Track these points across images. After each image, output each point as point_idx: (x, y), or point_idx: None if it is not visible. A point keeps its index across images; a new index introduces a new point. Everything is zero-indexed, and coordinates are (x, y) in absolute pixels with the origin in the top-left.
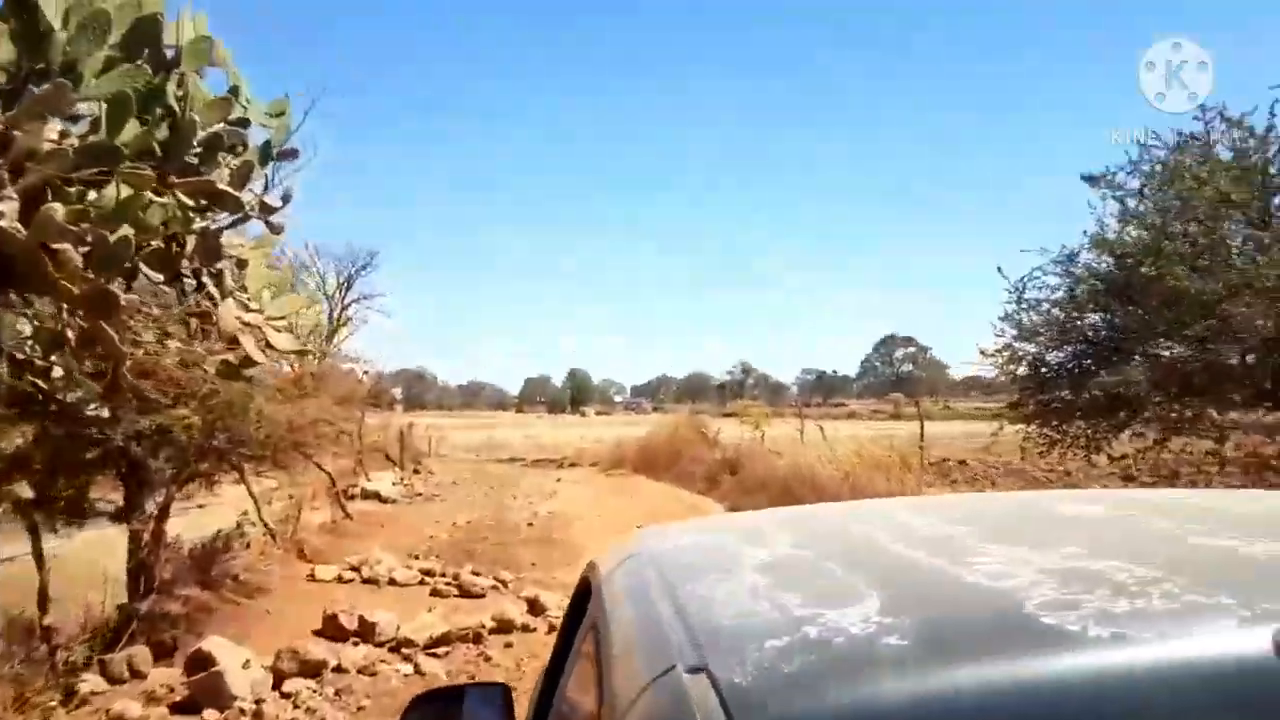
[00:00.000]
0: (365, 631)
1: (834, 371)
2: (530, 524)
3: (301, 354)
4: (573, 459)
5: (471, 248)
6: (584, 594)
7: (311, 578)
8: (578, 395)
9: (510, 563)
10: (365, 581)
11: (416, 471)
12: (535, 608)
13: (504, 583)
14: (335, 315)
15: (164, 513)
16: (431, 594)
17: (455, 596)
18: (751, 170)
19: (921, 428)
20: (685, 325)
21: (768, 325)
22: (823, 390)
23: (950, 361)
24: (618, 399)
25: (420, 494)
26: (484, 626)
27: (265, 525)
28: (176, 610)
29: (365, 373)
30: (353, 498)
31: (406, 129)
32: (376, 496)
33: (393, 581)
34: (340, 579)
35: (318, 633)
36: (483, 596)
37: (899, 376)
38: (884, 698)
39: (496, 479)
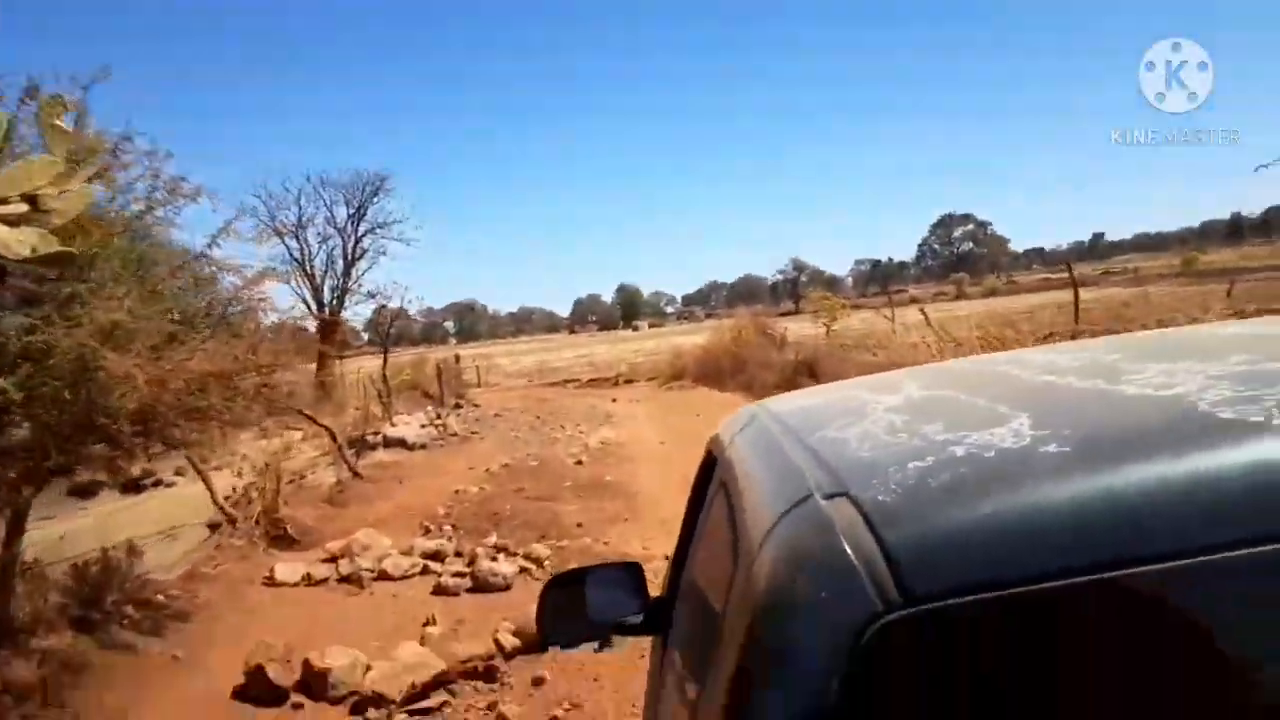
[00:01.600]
0: (312, 684)
1: (889, 259)
2: (580, 462)
3: (58, 261)
4: (628, 375)
5: (507, 174)
6: (709, 466)
7: (270, 581)
8: (628, 310)
9: (550, 525)
10: (343, 580)
11: (458, 406)
12: None
13: (538, 562)
14: (349, 249)
15: (14, 529)
16: (435, 591)
17: (467, 592)
18: (779, 57)
19: (1076, 295)
20: (731, 227)
21: (816, 219)
22: (879, 279)
23: (1011, 235)
24: (669, 310)
25: (455, 434)
26: (500, 649)
27: (221, 509)
28: (26, 676)
29: (382, 307)
30: (374, 447)
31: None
32: (401, 443)
33: (383, 575)
34: (309, 579)
35: (240, 692)
36: (506, 589)
37: (958, 256)
38: (1045, 501)
39: (545, 407)
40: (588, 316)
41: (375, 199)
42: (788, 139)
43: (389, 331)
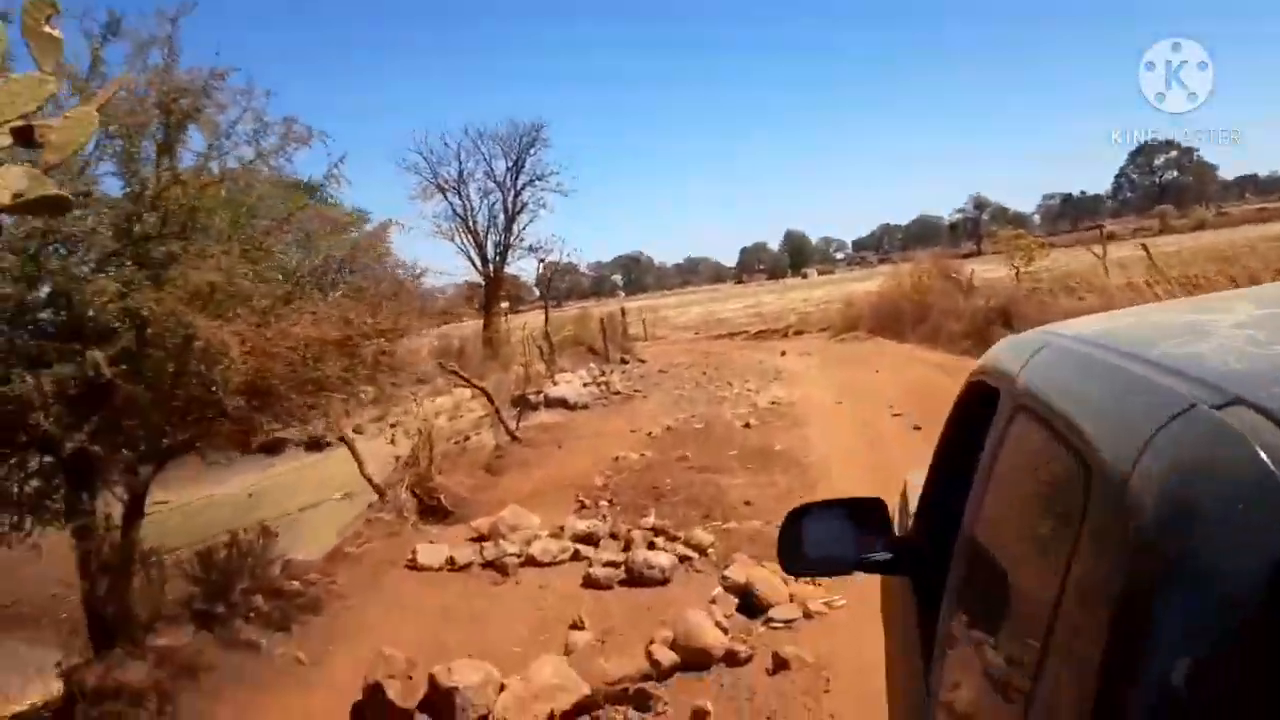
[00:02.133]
0: (437, 705)
1: (1081, 192)
2: (748, 424)
3: (50, 206)
4: (798, 326)
5: (669, 124)
6: (980, 400)
7: (413, 564)
8: (796, 257)
9: (714, 503)
10: (487, 565)
11: (625, 362)
12: (751, 606)
13: (700, 550)
14: (510, 203)
15: (133, 512)
16: (584, 584)
17: (621, 584)
18: None
19: None
20: (903, 166)
21: (995, 152)
22: (1070, 214)
23: (1219, 162)
24: (839, 256)
25: (618, 392)
26: (655, 666)
27: (370, 482)
28: (140, 681)
29: (542, 260)
30: (536, 407)
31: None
32: (563, 403)
33: (531, 561)
34: (452, 564)
35: (358, 712)
36: (664, 584)
37: (1161, 187)
38: None
39: (711, 361)
40: (755, 265)
41: (532, 150)
42: (956, 71)
43: (549, 284)
